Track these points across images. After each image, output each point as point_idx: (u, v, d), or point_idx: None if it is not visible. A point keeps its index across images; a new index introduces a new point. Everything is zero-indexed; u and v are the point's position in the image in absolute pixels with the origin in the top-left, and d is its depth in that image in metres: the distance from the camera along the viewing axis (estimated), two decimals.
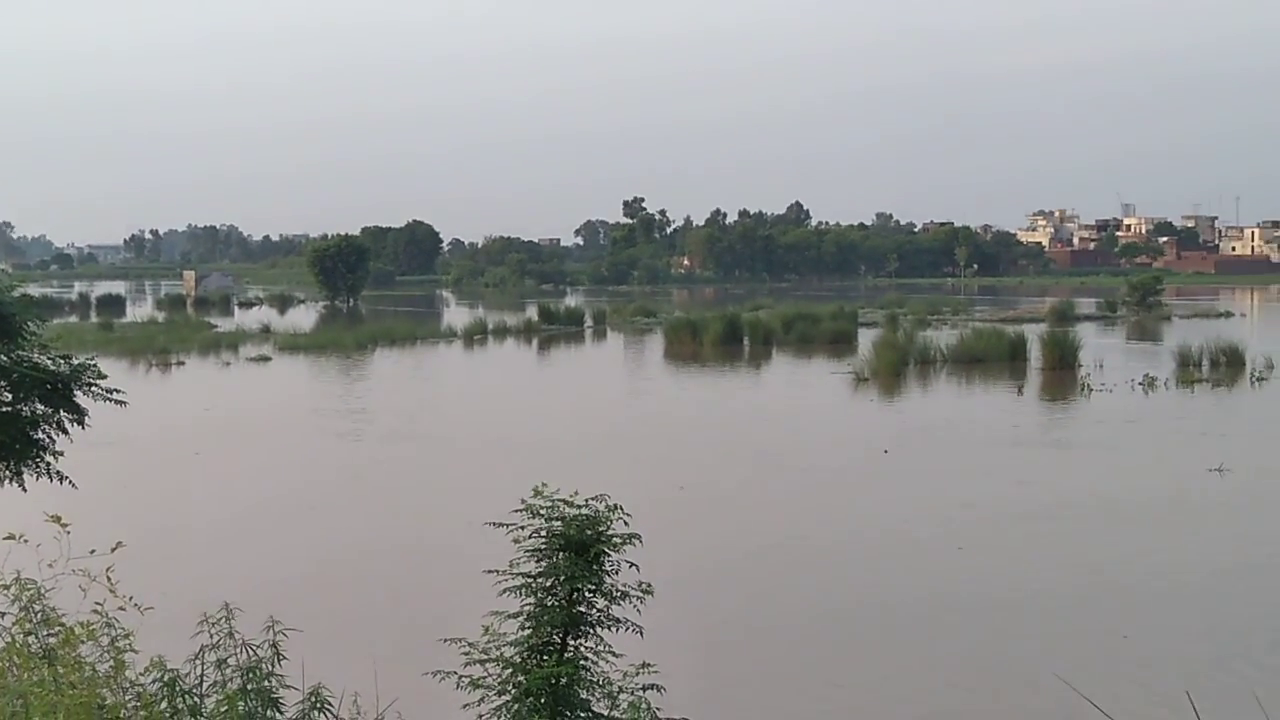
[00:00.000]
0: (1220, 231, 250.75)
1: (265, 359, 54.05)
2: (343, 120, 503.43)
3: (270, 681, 7.16)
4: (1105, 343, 58.21)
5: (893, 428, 32.57)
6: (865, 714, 12.48)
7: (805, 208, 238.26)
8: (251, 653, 7.26)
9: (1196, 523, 20.81)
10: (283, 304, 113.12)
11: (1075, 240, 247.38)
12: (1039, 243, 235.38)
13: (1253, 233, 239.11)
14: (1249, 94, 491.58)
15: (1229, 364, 44.53)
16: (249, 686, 7.09)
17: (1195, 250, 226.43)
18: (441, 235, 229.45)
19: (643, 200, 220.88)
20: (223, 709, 6.93)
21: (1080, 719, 10.86)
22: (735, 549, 19.16)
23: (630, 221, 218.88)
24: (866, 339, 54.55)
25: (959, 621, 15.29)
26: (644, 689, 7.45)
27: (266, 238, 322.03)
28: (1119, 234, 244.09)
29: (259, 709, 7.04)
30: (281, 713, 7.13)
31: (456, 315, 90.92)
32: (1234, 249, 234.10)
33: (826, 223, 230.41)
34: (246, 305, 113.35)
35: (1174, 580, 17.07)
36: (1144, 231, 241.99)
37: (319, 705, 7.20)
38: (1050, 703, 12.14)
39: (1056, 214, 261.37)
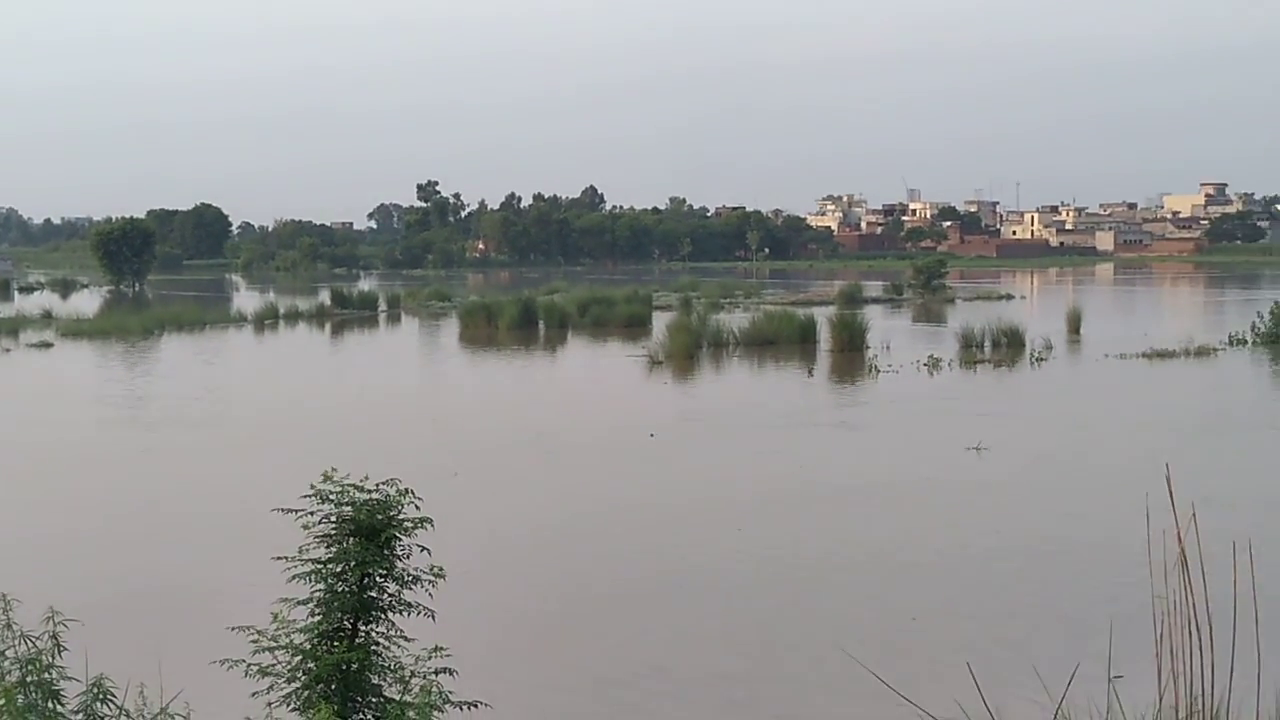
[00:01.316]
0: (1001, 216, 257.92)
1: (47, 345, 52.47)
2: (121, 95, 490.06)
3: (51, 673, 7.00)
4: (892, 325, 59.49)
5: (683, 410, 32.88)
6: (653, 689, 12.59)
7: (599, 192, 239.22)
8: (30, 644, 7.09)
9: (958, 502, 21.19)
10: (65, 289, 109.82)
11: (863, 225, 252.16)
12: (828, 227, 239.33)
13: (1032, 217, 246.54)
14: (1027, 85, 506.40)
15: (1010, 345, 45.82)
16: (28, 679, 6.93)
17: (978, 234, 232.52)
18: (230, 218, 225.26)
19: (437, 183, 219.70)
20: (0, 702, 6.76)
21: (865, 693, 11.10)
22: (510, 533, 19.02)
23: (424, 205, 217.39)
24: (661, 322, 54.94)
25: (740, 602, 15.45)
26: (436, 673, 7.47)
27: (48, 220, 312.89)
28: (905, 219, 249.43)
29: (39, 701, 6.88)
30: (63, 705, 6.98)
31: (247, 300, 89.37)
32: (1014, 233, 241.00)
33: (621, 207, 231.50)
34: (27, 290, 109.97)
35: (944, 558, 17.49)
36: (929, 216, 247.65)
37: (101, 696, 7.06)
38: (836, 678, 12.39)
39: (845, 199, 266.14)
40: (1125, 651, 8.63)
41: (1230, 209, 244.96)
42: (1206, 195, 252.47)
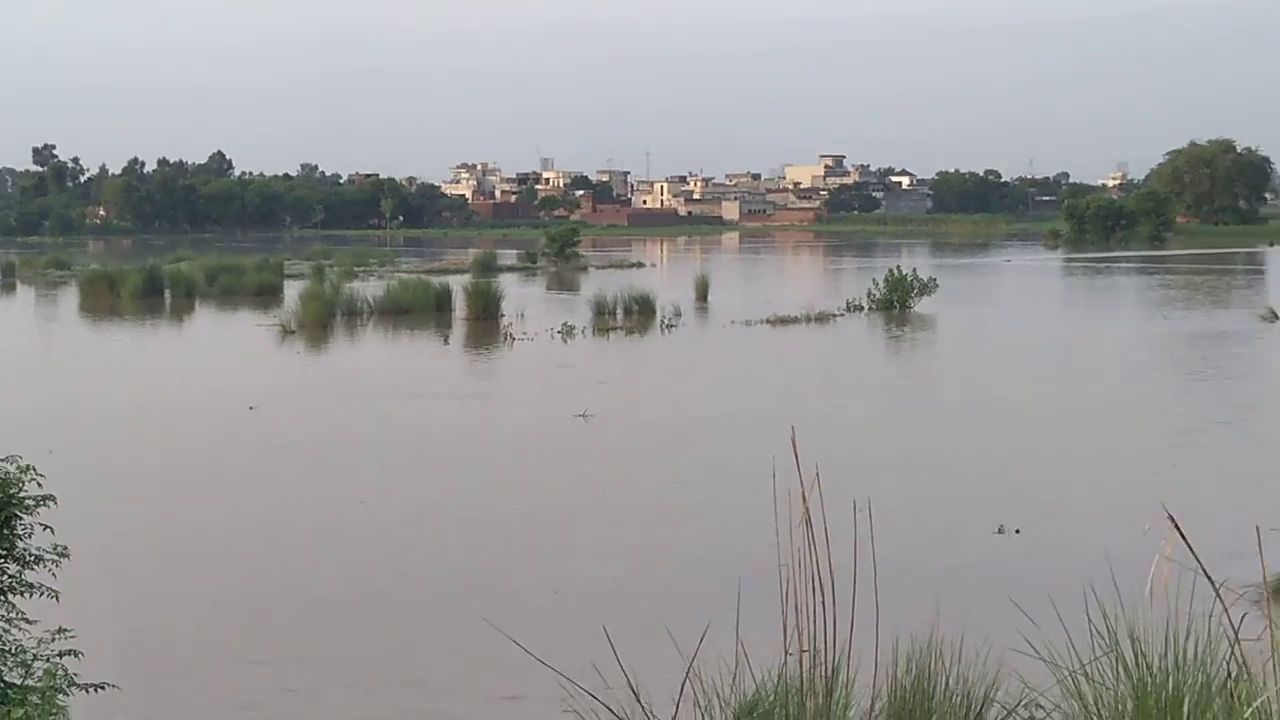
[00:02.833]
0: (633, 186, 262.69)
1: None
2: None
3: None
4: (527, 292, 59.92)
5: (310, 380, 32.52)
6: (284, 671, 12.41)
7: (228, 157, 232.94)
8: None
9: (590, 467, 21.47)
10: None
11: (497, 193, 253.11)
12: (463, 195, 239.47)
13: (662, 187, 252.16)
14: (656, 60, 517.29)
15: (641, 312, 46.73)
16: None
17: (610, 204, 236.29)
18: None
19: (54, 147, 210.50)
20: None
21: (506, 663, 11.18)
22: (111, 511, 18.26)
23: (40, 170, 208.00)
24: (293, 291, 53.99)
25: (368, 574, 15.31)
26: (60, 655, 7.24)
27: None
28: (539, 188, 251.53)
29: None
30: None
31: None
32: (645, 203, 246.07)
33: (250, 173, 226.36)
34: None
35: (577, 526, 17.77)
36: (562, 185, 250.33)
37: None
38: (477, 648, 12.41)
39: (479, 167, 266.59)
40: (754, 609, 8.93)
41: (848, 180, 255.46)
42: (826, 167, 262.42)
